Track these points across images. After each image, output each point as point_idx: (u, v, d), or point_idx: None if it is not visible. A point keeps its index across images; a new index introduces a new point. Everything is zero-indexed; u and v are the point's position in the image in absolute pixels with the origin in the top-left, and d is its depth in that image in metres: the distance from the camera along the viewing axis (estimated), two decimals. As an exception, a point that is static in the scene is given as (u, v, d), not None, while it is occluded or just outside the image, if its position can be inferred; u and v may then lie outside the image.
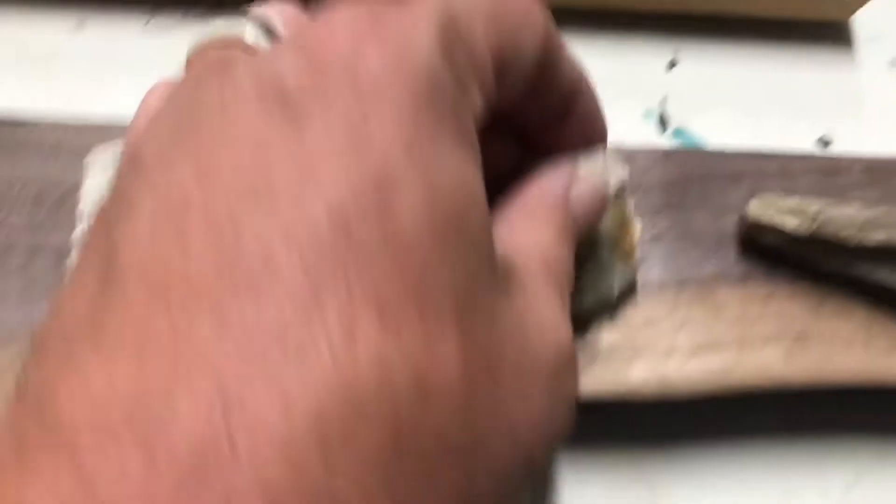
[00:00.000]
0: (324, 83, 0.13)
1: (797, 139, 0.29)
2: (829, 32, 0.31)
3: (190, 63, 0.17)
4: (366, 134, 0.13)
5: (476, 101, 0.15)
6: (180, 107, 0.14)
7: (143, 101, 0.18)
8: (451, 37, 0.14)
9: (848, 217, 0.23)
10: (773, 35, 0.31)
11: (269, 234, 0.12)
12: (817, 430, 0.25)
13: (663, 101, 0.30)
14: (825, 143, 0.29)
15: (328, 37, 0.14)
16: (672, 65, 0.30)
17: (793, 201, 0.23)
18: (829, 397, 0.24)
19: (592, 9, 0.30)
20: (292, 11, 0.18)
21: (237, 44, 0.17)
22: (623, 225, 0.23)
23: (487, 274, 0.14)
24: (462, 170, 0.14)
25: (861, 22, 0.31)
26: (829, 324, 0.24)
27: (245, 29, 0.17)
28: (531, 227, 0.18)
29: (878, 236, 0.22)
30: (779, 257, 0.24)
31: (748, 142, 0.29)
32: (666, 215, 0.25)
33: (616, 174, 0.22)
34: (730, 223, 0.25)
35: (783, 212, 0.23)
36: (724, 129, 0.29)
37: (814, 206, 0.23)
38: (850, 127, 0.30)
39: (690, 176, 0.25)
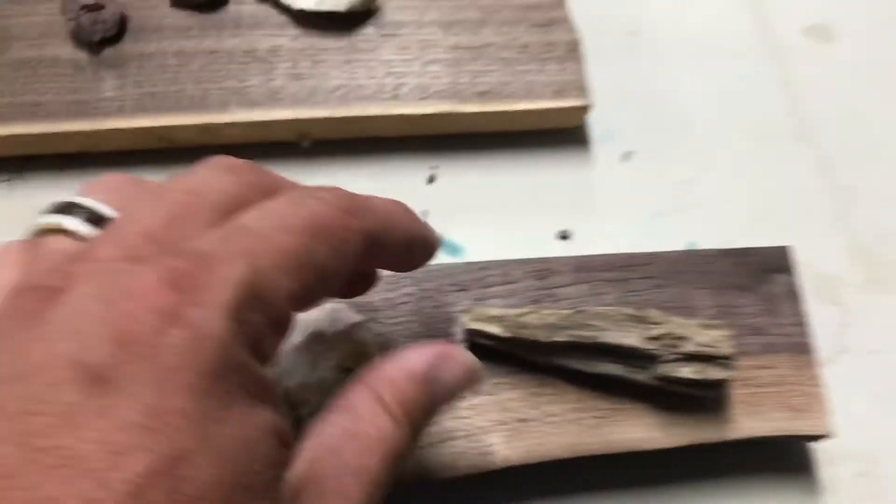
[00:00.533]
0: (130, 364, 0.15)
1: (542, 234, 0.34)
2: (567, 137, 0.36)
3: (29, 257, 0.19)
4: (163, 414, 0.15)
5: (270, 349, 0.18)
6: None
7: None
8: (251, 310, 0.17)
9: (538, 322, 0.27)
10: (518, 145, 0.35)
11: (69, 500, 0.14)
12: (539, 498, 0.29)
13: (424, 213, 0.34)
14: (564, 236, 0.34)
15: (134, 310, 0.16)
16: (431, 179, 0.35)
17: (495, 310, 0.28)
18: (551, 468, 0.28)
19: (358, 137, 0.35)
20: (122, 196, 0.21)
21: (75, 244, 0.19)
22: (362, 358, 0.27)
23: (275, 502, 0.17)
24: (249, 430, 0.16)
25: (594, 123, 0.36)
26: (545, 408, 0.28)
27: (68, 220, 0.20)
28: (368, 417, 0.20)
29: (562, 337, 0.27)
30: (499, 354, 0.28)
31: (502, 242, 0.33)
32: (406, 326, 0.29)
33: (350, 317, 0.26)
34: (460, 329, 0.29)
35: (488, 320, 0.28)
36: (480, 233, 0.34)
37: (512, 313, 0.28)
38: (589, 217, 0.34)
39: (427, 290, 0.30)
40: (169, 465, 0.15)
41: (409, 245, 0.22)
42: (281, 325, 0.18)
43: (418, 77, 0.34)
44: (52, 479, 0.14)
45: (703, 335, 0.27)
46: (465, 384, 0.22)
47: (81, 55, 0.34)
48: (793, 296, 0.31)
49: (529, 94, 0.34)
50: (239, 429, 0.16)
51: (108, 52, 0.34)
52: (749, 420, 0.29)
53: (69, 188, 0.34)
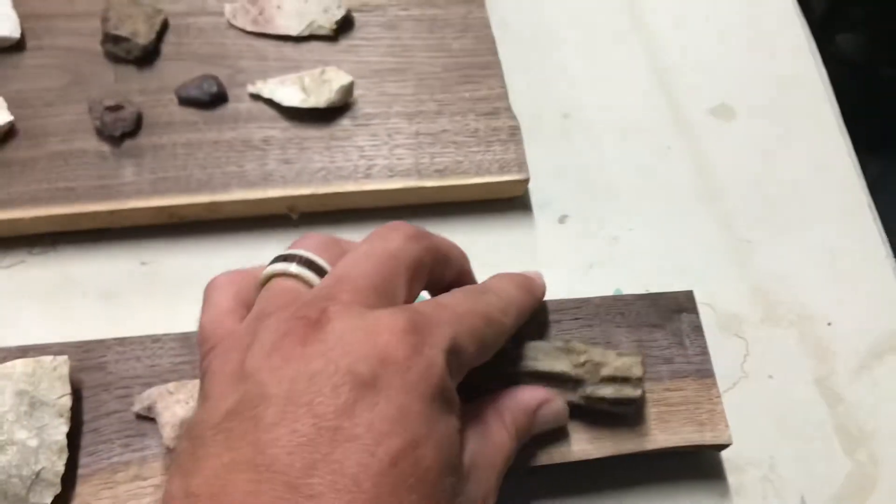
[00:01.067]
0: (388, 377, 0.23)
1: (494, 286, 0.40)
2: (511, 204, 0.43)
3: (267, 294, 0.27)
4: (408, 413, 0.22)
5: (458, 380, 0.26)
6: (283, 351, 0.23)
7: (211, 292, 0.29)
8: (453, 357, 0.25)
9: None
10: (471, 212, 0.42)
11: (350, 463, 0.21)
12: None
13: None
14: (511, 287, 0.40)
15: (390, 341, 0.23)
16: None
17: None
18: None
19: (338, 209, 0.41)
20: (333, 250, 0.28)
21: (298, 283, 0.27)
22: None
23: (459, 478, 0.25)
24: (450, 428, 0.24)
25: (534, 192, 0.43)
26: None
27: (292, 266, 0.27)
28: (495, 430, 0.29)
29: (508, 366, 0.33)
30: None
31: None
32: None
33: None
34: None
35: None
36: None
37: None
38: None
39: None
40: (412, 446, 0.22)
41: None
42: (462, 372, 0.27)
43: (386, 159, 0.41)
44: (337, 448, 0.21)
45: (618, 361, 0.33)
46: (555, 421, 0.32)
47: (105, 147, 0.41)
48: (696, 330, 0.37)
49: (479, 171, 0.41)
50: (446, 427, 0.24)
51: (128, 144, 0.41)
52: (663, 434, 0.35)
53: (95, 259, 0.41)
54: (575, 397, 0.33)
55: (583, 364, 0.33)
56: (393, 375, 0.23)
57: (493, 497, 0.27)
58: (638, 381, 0.33)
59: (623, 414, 0.34)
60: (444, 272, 0.30)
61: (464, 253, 0.32)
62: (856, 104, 0.49)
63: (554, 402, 0.32)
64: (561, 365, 0.33)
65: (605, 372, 0.33)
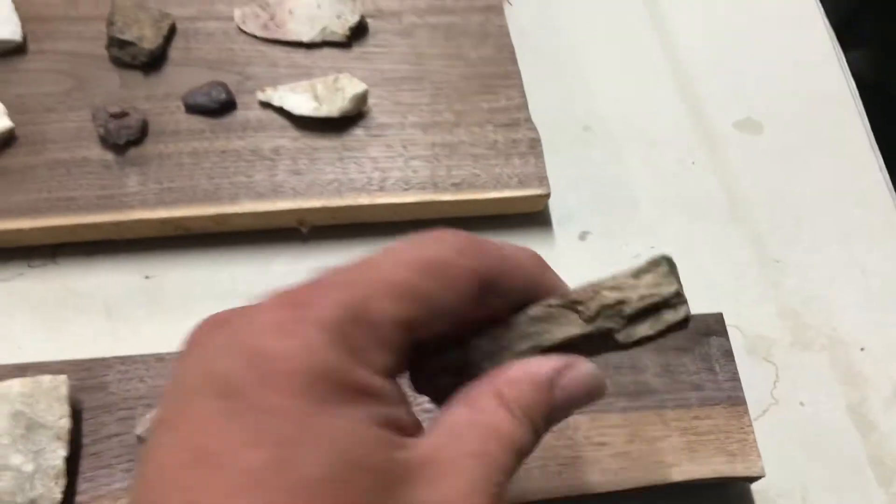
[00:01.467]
0: (250, 377, 0.18)
1: (512, 304, 0.39)
2: (530, 219, 0.41)
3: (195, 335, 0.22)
4: (272, 416, 0.18)
5: (379, 361, 0.20)
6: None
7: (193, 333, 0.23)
8: (349, 324, 0.19)
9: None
10: (488, 227, 0.40)
11: (202, 490, 0.17)
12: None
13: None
14: (531, 306, 0.39)
15: (261, 327, 0.19)
16: (414, 259, 0.40)
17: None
18: None
19: (350, 223, 0.40)
20: None
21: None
22: None
23: (388, 485, 0.19)
24: (346, 420, 0.19)
25: (554, 207, 0.41)
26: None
27: None
28: (486, 410, 0.21)
29: (514, 352, 0.24)
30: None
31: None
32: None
33: None
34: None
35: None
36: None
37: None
38: (552, 290, 0.39)
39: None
40: (282, 455, 0.18)
41: (531, 292, 0.24)
42: (390, 343, 0.20)
43: (401, 171, 0.40)
44: (194, 472, 0.18)
45: (639, 288, 0.25)
46: (586, 392, 0.23)
47: (108, 156, 0.39)
48: (726, 355, 0.35)
49: (497, 184, 0.39)
50: (343, 422, 0.19)
51: (132, 152, 0.39)
52: (691, 464, 0.33)
53: (97, 273, 0.39)
54: (609, 347, 0.25)
55: (597, 315, 0.25)
56: (255, 371, 0.19)
57: (487, 499, 0.20)
58: (677, 297, 0.25)
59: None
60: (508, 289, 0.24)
61: (535, 259, 0.25)
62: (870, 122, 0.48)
63: (576, 366, 0.23)
64: (572, 328, 0.24)
65: (630, 309, 0.24)
